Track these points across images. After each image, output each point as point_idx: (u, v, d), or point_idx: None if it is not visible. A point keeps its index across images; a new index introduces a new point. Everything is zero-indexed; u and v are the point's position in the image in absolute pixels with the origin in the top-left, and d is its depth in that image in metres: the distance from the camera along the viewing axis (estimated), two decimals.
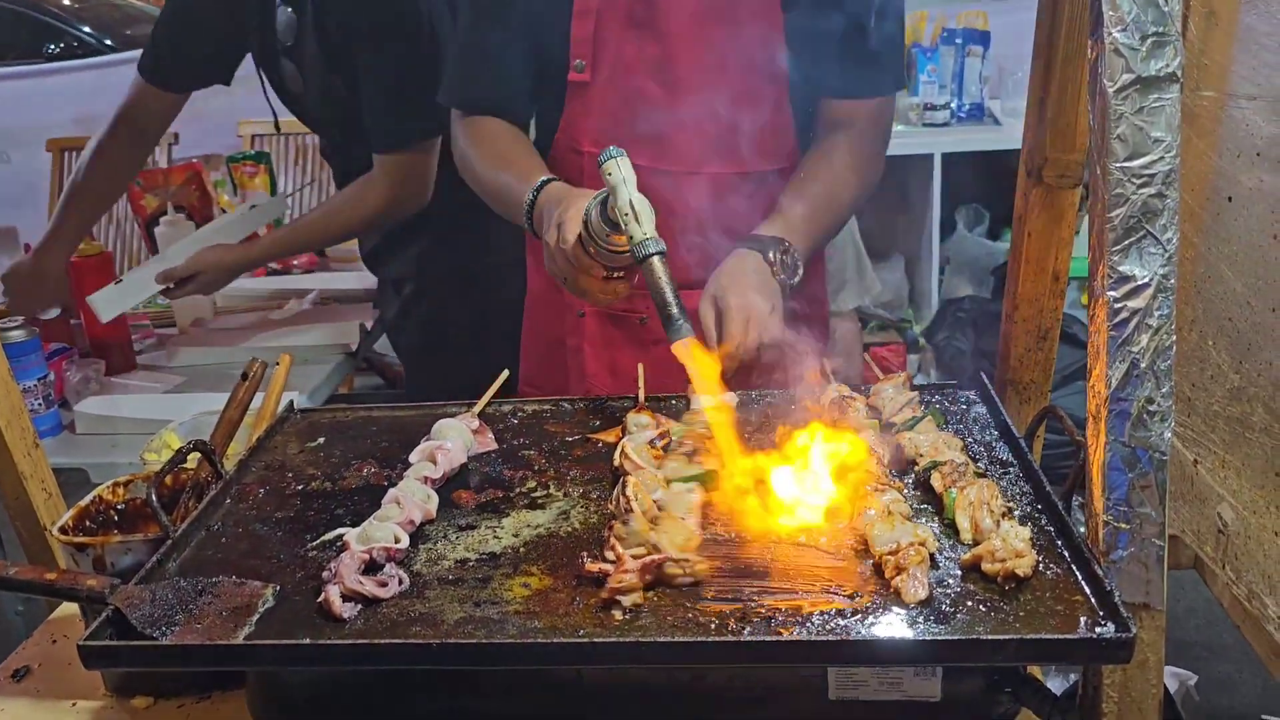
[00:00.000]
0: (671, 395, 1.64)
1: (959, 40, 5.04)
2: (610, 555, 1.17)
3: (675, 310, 1.43)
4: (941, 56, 4.99)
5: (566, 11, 1.81)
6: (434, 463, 1.42)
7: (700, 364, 1.43)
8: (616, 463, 1.40)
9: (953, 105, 5.05)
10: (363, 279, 3.48)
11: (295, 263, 3.64)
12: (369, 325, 3.10)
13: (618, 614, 1.11)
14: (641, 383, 1.61)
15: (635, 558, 1.14)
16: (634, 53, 1.80)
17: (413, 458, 1.44)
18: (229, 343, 2.97)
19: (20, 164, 5.56)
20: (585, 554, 1.22)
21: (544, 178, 1.69)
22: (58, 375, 2.60)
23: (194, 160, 3.97)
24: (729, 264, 1.71)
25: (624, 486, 1.28)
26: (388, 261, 2.91)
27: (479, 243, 2.65)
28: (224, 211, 3.60)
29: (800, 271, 1.74)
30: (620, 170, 1.46)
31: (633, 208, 1.45)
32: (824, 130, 1.92)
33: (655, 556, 1.14)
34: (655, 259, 1.44)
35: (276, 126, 3.22)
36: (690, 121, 1.80)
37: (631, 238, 1.45)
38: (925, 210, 5.01)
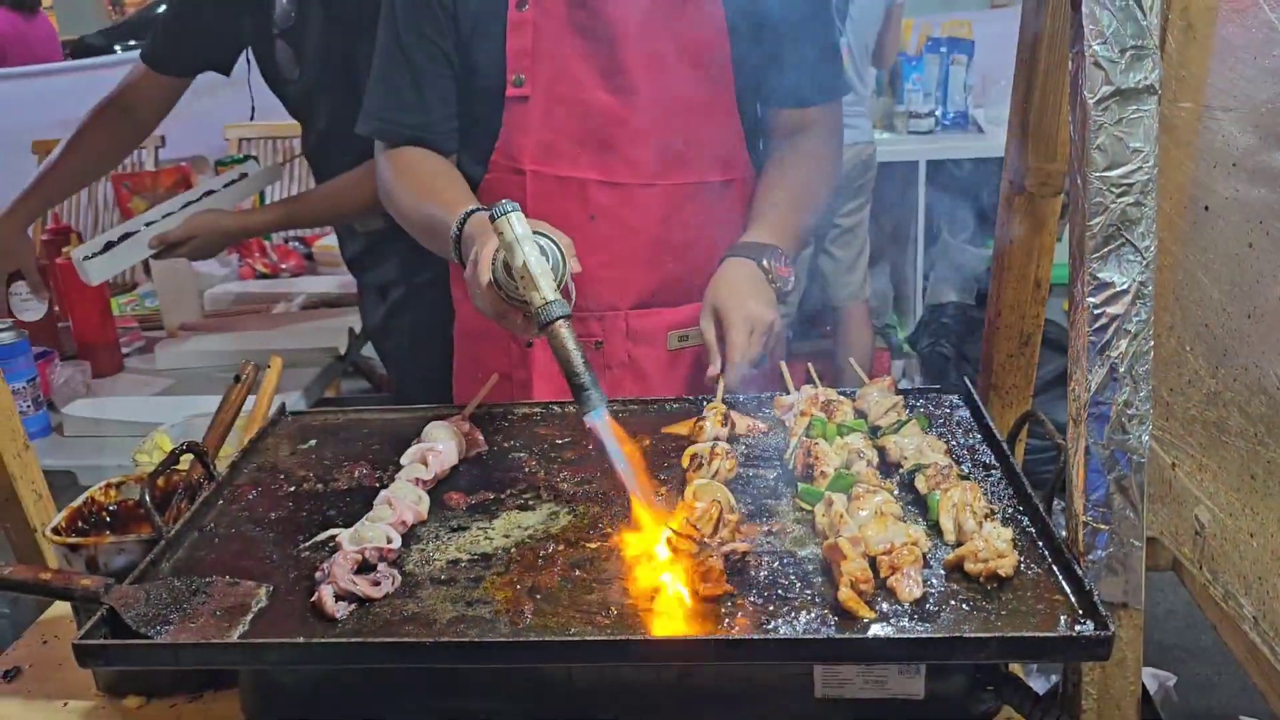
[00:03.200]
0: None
1: (944, 49, 5.10)
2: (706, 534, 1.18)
3: (585, 379, 1.31)
4: (926, 65, 5.05)
5: (499, 26, 1.74)
6: (425, 464, 1.44)
7: (620, 439, 1.33)
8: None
9: (937, 113, 5.10)
10: (351, 283, 3.49)
11: (283, 266, 3.65)
12: (357, 329, 3.11)
13: (606, 616, 1.13)
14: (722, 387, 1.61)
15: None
16: (577, 62, 1.74)
17: (404, 459, 1.46)
18: (216, 346, 2.97)
19: (4, 166, 5.53)
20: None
21: (469, 207, 1.61)
22: (42, 377, 2.59)
23: (181, 164, 3.97)
24: (726, 273, 1.72)
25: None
26: (372, 266, 2.90)
27: None
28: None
29: (793, 278, 1.75)
30: (512, 229, 1.35)
31: (528, 270, 1.34)
32: (779, 139, 1.91)
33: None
34: (559, 324, 1.33)
35: (252, 116, 3.18)
36: (640, 131, 1.76)
37: (531, 303, 1.35)
38: (910, 217, 5.06)
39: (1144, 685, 1.47)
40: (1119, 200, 1.05)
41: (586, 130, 1.76)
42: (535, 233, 1.42)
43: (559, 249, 1.43)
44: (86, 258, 2.66)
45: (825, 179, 1.91)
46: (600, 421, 1.31)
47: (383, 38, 1.85)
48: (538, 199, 1.78)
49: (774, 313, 1.67)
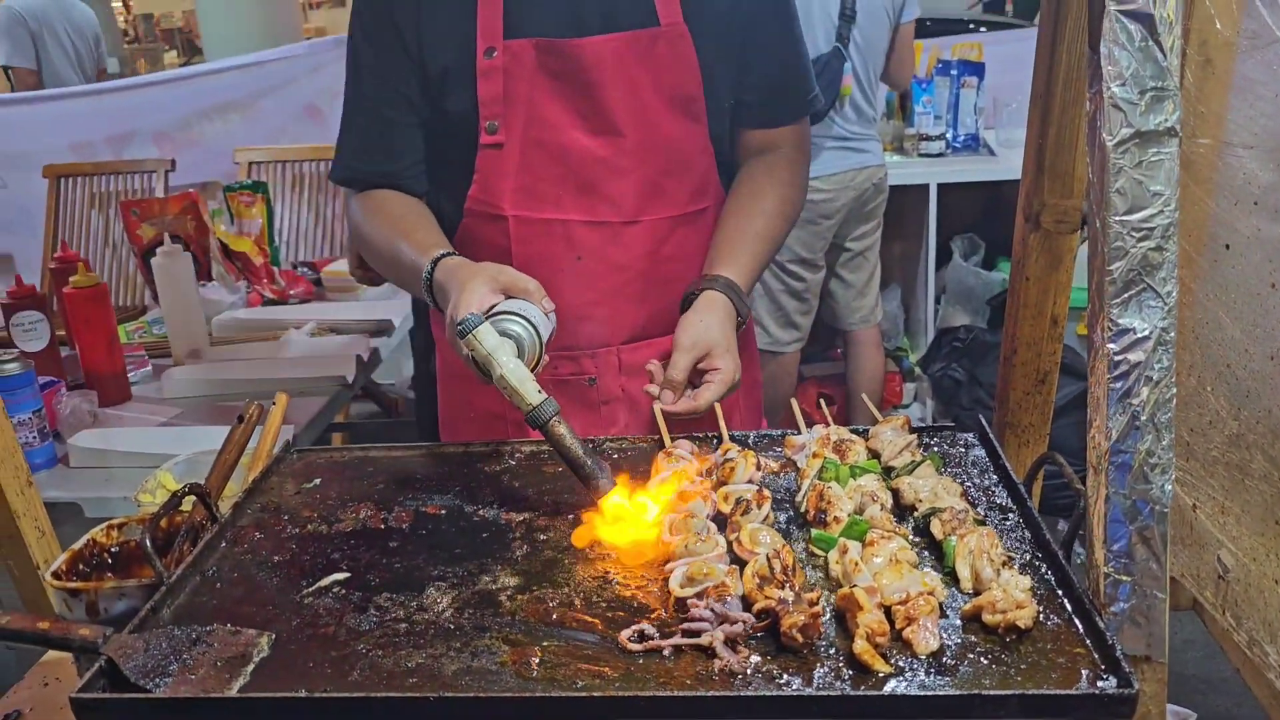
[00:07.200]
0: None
1: (954, 72, 5.08)
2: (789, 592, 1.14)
3: (590, 465, 1.38)
4: (937, 88, 5.03)
5: (469, 74, 1.73)
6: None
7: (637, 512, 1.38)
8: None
9: (948, 136, 5.08)
10: (361, 309, 3.49)
11: (292, 292, 3.64)
12: (365, 356, 3.10)
13: (612, 668, 1.10)
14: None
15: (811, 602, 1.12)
16: (552, 106, 1.74)
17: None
18: (225, 374, 2.96)
19: (16, 190, 5.57)
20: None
21: (440, 252, 1.64)
22: (48, 408, 2.58)
23: (190, 189, 3.98)
24: (717, 311, 1.71)
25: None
26: None
27: None
28: (221, 243, 3.60)
29: (745, 320, 1.78)
30: (482, 344, 1.37)
31: (507, 383, 1.36)
32: (747, 158, 1.92)
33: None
34: (553, 421, 1.37)
35: None
36: (621, 170, 1.76)
37: (519, 408, 1.38)
38: (921, 240, 5.03)
39: None
40: (1140, 245, 1.03)
41: (567, 172, 1.76)
42: (504, 314, 1.45)
43: (531, 323, 1.44)
44: None
45: (792, 209, 1.91)
46: (615, 500, 1.35)
47: (349, 87, 1.86)
48: (522, 243, 1.78)
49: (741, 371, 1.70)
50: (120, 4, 15.45)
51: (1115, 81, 1.01)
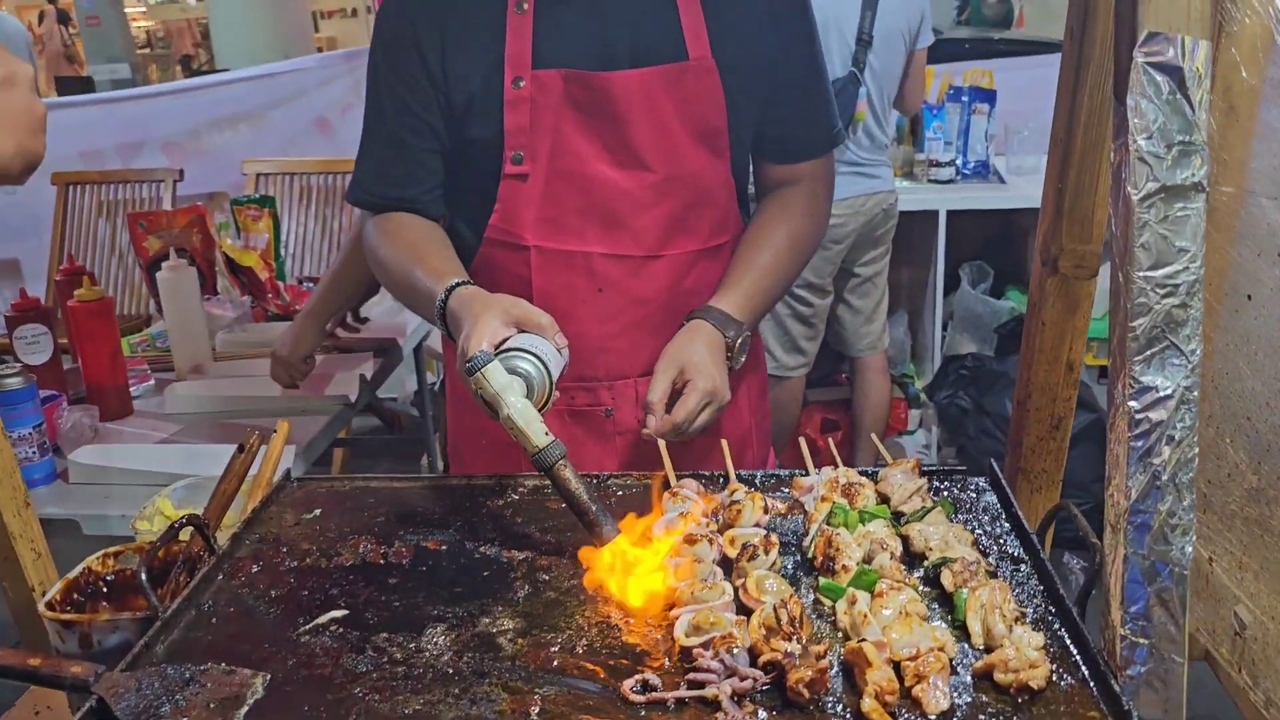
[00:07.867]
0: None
1: (965, 98, 5.06)
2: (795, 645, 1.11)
3: (595, 511, 1.35)
4: (947, 114, 5.00)
5: (494, 103, 1.72)
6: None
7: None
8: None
9: (958, 162, 5.05)
10: (366, 328, 3.46)
11: (296, 308, 3.61)
12: (369, 375, 3.07)
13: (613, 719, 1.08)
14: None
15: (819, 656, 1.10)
16: (577, 138, 1.72)
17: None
18: (227, 390, 2.93)
19: (25, 196, 5.56)
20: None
21: (454, 280, 1.61)
22: (49, 422, 2.56)
23: (198, 202, 3.96)
24: (698, 336, 1.70)
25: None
26: None
27: None
28: (227, 257, 3.59)
29: (744, 358, 1.75)
30: (490, 383, 1.35)
31: (514, 423, 1.34)
32: (767, 191, 1.92)
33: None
34: (559, 465, 1.35)
35: None
36: (645, 204, 1.75)
37: (526, 450, 1.36)
38: (929, 266, 5.00)
39: None
40: (1164, 301, 1.01)
41: (590, 204, 1.74)
42: (515, 351, 1.42)
43: (541, 361, 1.42)
44: None
45: (807, 242, 1.89)
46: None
47: (369, 110, 1.84)
48: (543, 273, 1.77)
49: (729, 391, 1.68)
50: (138, 10, 15.56)
51: (1142, 134, 0.99)
